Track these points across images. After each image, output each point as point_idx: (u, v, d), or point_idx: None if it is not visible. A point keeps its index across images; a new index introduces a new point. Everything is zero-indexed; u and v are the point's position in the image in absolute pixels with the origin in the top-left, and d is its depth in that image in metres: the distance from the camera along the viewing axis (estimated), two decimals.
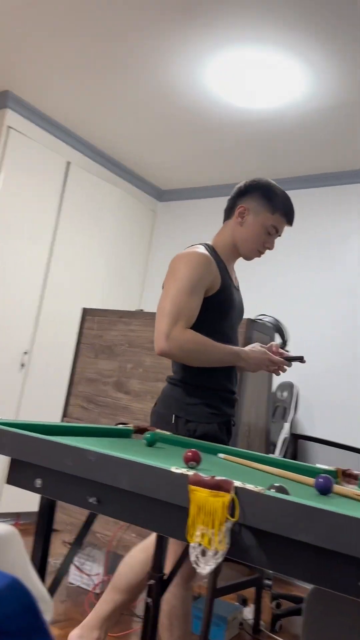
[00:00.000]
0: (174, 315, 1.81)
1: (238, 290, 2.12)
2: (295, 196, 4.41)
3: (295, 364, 2.02)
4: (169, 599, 1.91)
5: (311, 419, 3.94)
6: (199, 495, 0.93)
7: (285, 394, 3.83)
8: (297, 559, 0.88)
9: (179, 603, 1.92)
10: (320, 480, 1.14)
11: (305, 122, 3.65)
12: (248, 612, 3.00)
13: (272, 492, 0.89)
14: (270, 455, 1.87)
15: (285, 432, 3.62)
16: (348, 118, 3.54)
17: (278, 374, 1.98)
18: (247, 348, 1.95)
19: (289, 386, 3.85)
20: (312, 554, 0.85)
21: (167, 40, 3.08)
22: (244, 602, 3.10)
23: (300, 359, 1.93)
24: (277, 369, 1.95)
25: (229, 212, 2.10)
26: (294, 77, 3.22)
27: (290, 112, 3.58)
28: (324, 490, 1.12)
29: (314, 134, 3.79)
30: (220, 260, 1.99)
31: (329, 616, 1.49)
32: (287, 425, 3.63)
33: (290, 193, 4.44)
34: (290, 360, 1.94)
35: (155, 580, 1.63)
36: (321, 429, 3.82)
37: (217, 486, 0.92)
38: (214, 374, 1.94)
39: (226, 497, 0.90)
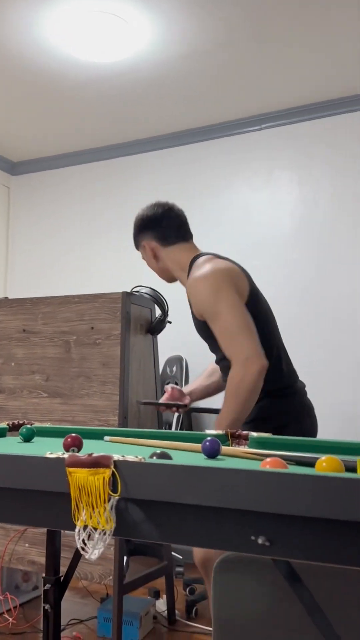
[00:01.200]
0: (249, 332, 1.94)
1: None
2: (159, 156, 4.53)
3: None
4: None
5: None
6: (78, 476, 0.94)
7: (174, 368, 3.91)
8: (188, 525, 0.91)
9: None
10: (206, 443, 1.19)
11: (160, 75, 3.69)
12: (161, 604, 3.08)
13: (152, 460, 0.92)
14: (158, 430, 1.92)
15: None
16: (203, 70, 3.62)
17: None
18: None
19: (177, 360, 3.94)
20: (203, 516, 0.89)
21: None
22: (156, 595, 3.18)
23: (184, 407, 2.27)
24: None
25: None
26: (144, 28, 3.23)
27: (142, 66, 3.60)
28: (211, 452, 1.18)
29: (169, 89, 3.84)
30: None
31: (238, 585, 1.56)
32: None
33: (153, 154, 4.54)
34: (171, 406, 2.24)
35: (51, 584, 1.64)
36: (214, 398, 3.95)
37: (96, 463, 0.94)
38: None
39: (106, 473, 0.92)
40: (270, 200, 4.16)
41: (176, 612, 3.02)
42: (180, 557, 3.64)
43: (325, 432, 2.27)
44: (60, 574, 1.67)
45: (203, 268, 2.09)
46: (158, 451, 1.01)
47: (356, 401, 3.73)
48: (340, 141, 3.97)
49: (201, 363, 4.09)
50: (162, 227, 2.24)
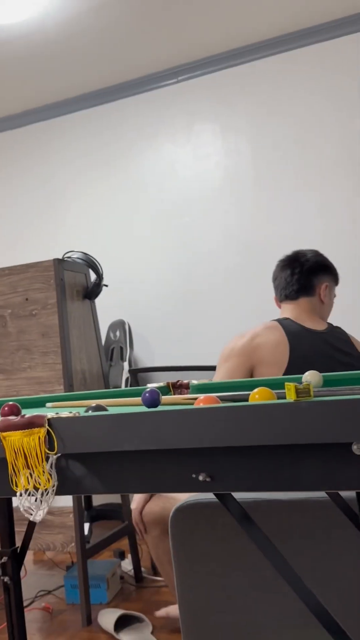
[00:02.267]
0: None
1: None
2: (76, 119, 4.40)
3: None
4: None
5: (149, 351, 4.08)
6: (12, 439, 0.93)
7: (118, 333, 3.90)
8: (129, 473, 0.92)
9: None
10: (146, 394, 1.19)
11: (68, 33, 3.57)
12: (127, 564, 3.12)
13: (87, 413, 0.91)
14: (102, 390, 1.91)
15: (126, 372, 3.71)
16: (112, 23, 3.52)
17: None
18: None
19: (120, 324, 3.93)
20: (142, 462, 0.89)
21: None
22: (121, 555, 3.22)
23: None
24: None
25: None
26: None
27: (49, 24, 3.48)
28: (151, 402, 1.17)
29: (79, 47, 3.73)
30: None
31: (195, 532, 1.59)
32: (126, 365, 3.72)
33: (69, 117, 4.41)
34: None
35: (8, 557, 1.63)
36: (161, 358, 3.98)
37: (29, 424, 0.92)
38: None
39: (41, 432, 0.91)
40: (194, 155, 4.12)
41: (142, 569, 3.06)
42: (107, 493, 3.68)
43: None
44: (17, 545, 1.66)
45: None
46: (93, 405, 1.00)
47: None
48: (258, 87, 3.94)
49: (144, 325, 4.10)
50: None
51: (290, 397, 0.77)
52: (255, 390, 0.92)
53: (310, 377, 1.20)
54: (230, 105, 4.03)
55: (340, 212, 3.71)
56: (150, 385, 1.54)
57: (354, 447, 0.73)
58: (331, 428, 0.73)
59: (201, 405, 0.88)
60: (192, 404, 1.19)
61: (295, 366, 2.00)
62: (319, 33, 3.75)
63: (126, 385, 3.65)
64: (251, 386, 1.34)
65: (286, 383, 0.77)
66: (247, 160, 3.98)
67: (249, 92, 3.97)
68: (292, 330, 2.07)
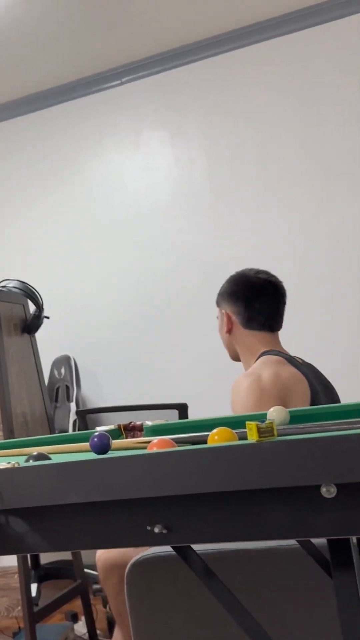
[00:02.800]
0: None
1: None
2: (16, 125, 4.27)
3: None
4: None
5: (99, 389, 4.02)
6: None
7: (63, 370, 3.84)
8: (77, 527, 0.89)
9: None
10: (94, 439, 1.16)
11: (6, 35, 3.52)
12: (81, 627, 3.04)
13: (28, 464, 0.88)
14: (47, 436, 1.87)
15: (73, 413, 3.65)
16: (51, 22, 3.44)
17: None
18: None
19: (65, 360, 3.87)
20: (91, 514, 0.87)
21: None
22: (74, 617, 3.13)
23: None
24: None
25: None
26: None
27: None
28: (100, 448, 1.15)
29: (20, 47, 3.64)
30: None
31: (155, 587, 1.56)
32: (73, 406, 3.66)
33: (10, 123, 4.27)
34: None
35: None
36: (112, 396, 3.91)
37: None
38: None
39: None
40: (143, 165, 4.03)
41: (98, 632, 2.98)
42: (96, 572, 3.59)
43: None
44: None
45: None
46: (35, 453, 0.97)
47: None
48: (211, 88, 3.85)
49: (93, 360, 4.04)
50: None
51: (252, 437, 0.76)
52: (215, 430, 0.91)
53: (276, 413, 1.20)
54: (179, 109, 3.93)
55: (307, 224, 3.64)
56: (99, 429, 1.51)
57: (323, 490, 0.72)
58: (298, 470, 0.72)
59: (154, 449, 0.86)
60: (146, 448, 1.17)
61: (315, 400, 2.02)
62: (276, 26, 3.69)
63: (74, 429, 3.59)
64: (211, 426, 1.32)
65: (247, 422, 0.76)
66: (202, 170, 3.91)
67: (201, 93, 3.88)
68: (296, 364, 2.08)
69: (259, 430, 0.75)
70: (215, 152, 3.88)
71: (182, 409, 2.69)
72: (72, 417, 3.63)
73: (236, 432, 0.93)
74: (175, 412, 2.71)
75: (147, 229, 3.99)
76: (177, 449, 0.81)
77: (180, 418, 2.63)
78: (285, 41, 3.69)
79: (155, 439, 0.93)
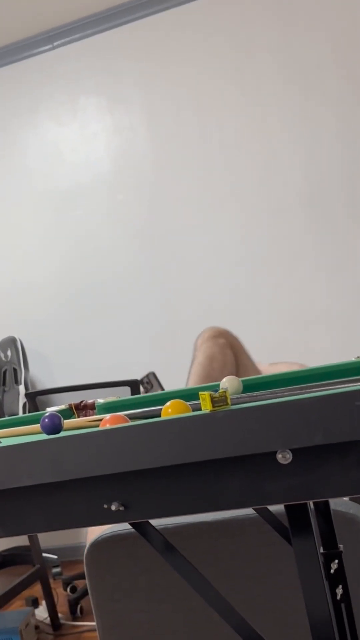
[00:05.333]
0: None
1: None
2: None
3: None
4: None
5: (48, 370, 3.99)
6: None
7: (9, 352, 3.80)
8: (31, 510, 0.88)
9: None
10: (45, 420, 1.15)
11: None
12: (42, 611, 3.04)
13: None
14: None
15: (22, 396, 3.62)
16: None
17: None
18: None
19: (10, 342, 3.83)
20: (46, 496, 0.86)
21: None
22: (35, 603, 3.13)
23: None
24: None
25: None
26: None
27: None
28: (51, 428, 1.14)
29: None
30: None
31: (115, 567, 1.56)
32: (22, 388, 3.63)
33: None
34: None
35: None
36: (62, 376, 3.89)
37: None
38: None
39: None
40: (81, 134, 3.95)
41: (59, 615, 3.00)
42: (55, 556, 3.60)
43: None
44: None
45: None
46: None
47: None
48: (145, 50, 3.77)
49: (39, 340, 4.00)
50: None
51: (206, 407, 0.76)
52: (168, 403, 0.91)
53: (229, 382, 1.21)
54: (116, 73, 3.85)
55: (253, 192, 3.62)
56: (50, 410, 1.51)
57: (279, 456, 0.73)
58: (252, 438, 0.73)
59: (107, 426, 0.86)
60: (99, 426, 1.17)
61: None
62: None
63: (24, 412, 3.56)
64: (164, 399, 1.33)
65: (200, 392, 0.76)
66: (142, 137, 3.85)
67: (138, 56, 3.79)
68: None
69: (212, 399, 0.75)
70: (155, 116, 3.82)
71: (134, 386, 2.69)
72: (22, 400, 3.60)
73: (190, 404, 0.94)
74: (127, 389, 2.71)
75: (87, 202, 3.94)
76: (130, 424, 0.81)
77: (132, 395, 2.63)
78: None
79: (108, 416, 0.93)
